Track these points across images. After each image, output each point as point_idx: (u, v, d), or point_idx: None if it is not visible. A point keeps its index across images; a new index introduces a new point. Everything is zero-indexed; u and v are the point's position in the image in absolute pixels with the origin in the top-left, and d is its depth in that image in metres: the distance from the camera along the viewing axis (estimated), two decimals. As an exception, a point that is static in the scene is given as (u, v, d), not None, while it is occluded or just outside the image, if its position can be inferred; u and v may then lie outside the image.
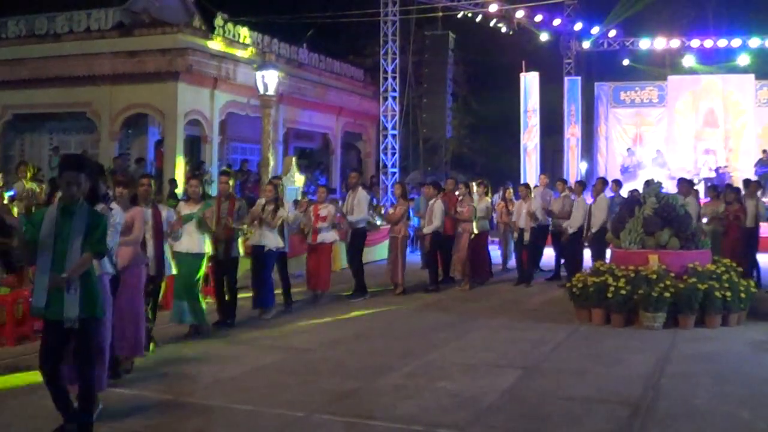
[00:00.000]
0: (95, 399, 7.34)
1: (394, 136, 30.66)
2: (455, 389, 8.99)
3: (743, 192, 18.21)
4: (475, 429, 7.55)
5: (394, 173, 30.48)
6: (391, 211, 17.52)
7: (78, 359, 6.94)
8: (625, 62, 37.37)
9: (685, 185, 18.39)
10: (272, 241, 14.01)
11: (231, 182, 13.53)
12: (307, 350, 11.35)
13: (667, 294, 12.47)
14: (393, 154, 30.71)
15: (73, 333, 6.78)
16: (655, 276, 12.75)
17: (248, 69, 24.42)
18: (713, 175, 30.84)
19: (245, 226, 13.78)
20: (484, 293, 17.23)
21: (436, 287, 17.39)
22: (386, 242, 18.01)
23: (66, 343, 6.86)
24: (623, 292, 12.74)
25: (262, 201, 14.35)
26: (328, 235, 15.89)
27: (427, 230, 17.43)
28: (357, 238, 16.65)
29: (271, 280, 14.23)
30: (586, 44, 36.12)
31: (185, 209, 12.13)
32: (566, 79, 35.44)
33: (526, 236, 18.11)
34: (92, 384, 7.04)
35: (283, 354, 11.06)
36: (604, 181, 19.35)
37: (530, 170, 31.62)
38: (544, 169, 29.93)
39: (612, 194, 20.58)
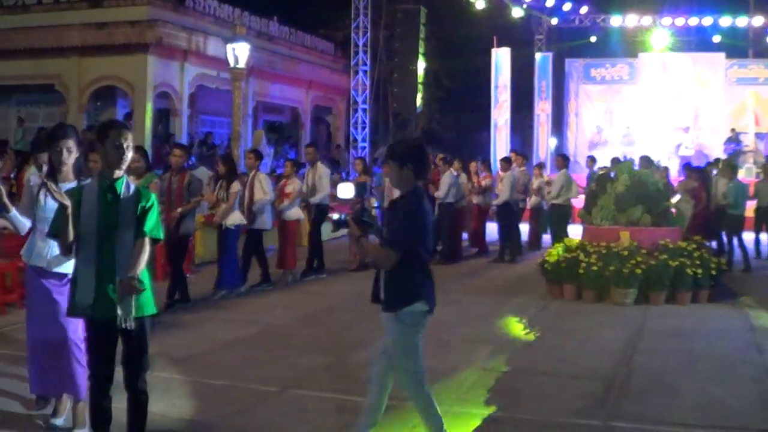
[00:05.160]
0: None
1: (364, 110, 30.69)
2: (428, 365, 8.90)
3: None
4: (448, 402, 7.50)
5: (364, 147, 30.51)
6: None
7: (131, 367, 5.72)
8: (594, 39, 37.34)
9: (644, 162, 18.52)
10: (231, 218, 13.40)
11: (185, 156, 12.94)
12: (280, 325, 11.31)
13: (638, 270, 12.52)
14: (363, 129, 30.74)
15: (123, 335, 5.67)
16: (626, 252, 12.81)
17: (218, 42, 24.25)
18: (692, 153, 31.01)
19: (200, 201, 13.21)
20: (454, 269, 17.23)
21: None
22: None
23: (114, 345, 5.73)
24: (595, 268, 12.77)
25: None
26: (293, 213, 15.35)
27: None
28: (318, 214, 16.08)
29: (233, 260, 13.63)
30: (555, 20, 36.11)
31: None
32: (537, 55, 35.43)
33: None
34: (147, 396, 5.84)
35: (255, 329, 10.99)
36: (565, 158, 19.60)
37: (500, 146, 31.64)
38: (514, 145, 30.05)
39: (588, 171, 20.97)
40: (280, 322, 11.57)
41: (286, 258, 15.24)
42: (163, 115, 27.01)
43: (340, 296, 13.84)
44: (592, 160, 22.12)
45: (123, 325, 5.55)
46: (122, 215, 5.62)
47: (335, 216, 6.53)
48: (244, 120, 26.36)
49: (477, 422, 7.00)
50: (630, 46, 37.63)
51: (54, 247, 6.36)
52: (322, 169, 16.24)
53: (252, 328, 11.08)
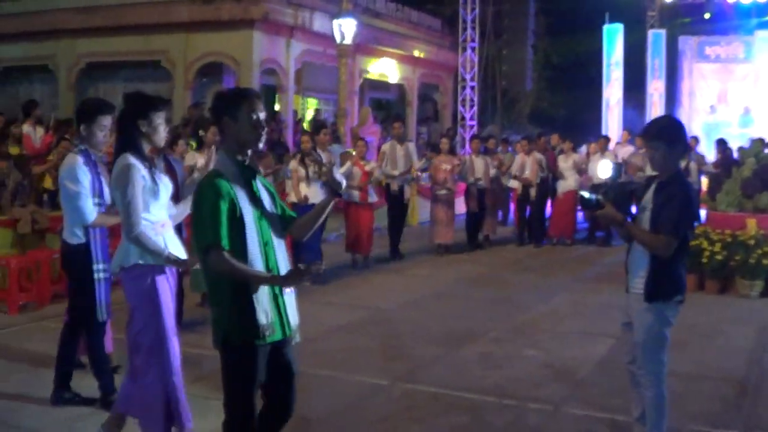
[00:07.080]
0: None
1: (472, 87, 30.16)
2: (546, 359, 8.49)
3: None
4: (572, 404, 7.05)
5: (472, 126, 30.01)
6: (445, 166, 16.10)
7: (289, 392, 4.74)
8: (708, 15, 36.16)
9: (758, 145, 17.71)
10: (318, 196, 12.54)
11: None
12: (385, 310, 10.93)
13: (765, 261, 11.80)
14: (471, 107, 30.24)
15: (283, 355, 4.65)
16: (753, 241, 12.08)
17: (325, 17, 23.96)
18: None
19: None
20: (565, 253, 16.67)
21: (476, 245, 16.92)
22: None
23: None
24: (719, 257, 12.08)
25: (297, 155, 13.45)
26: (373, 194, 14.68)
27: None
28: (403, 195, 15.64)
29: (318, 243, 12.79)
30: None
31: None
32: (650, 32, 34.36)
33: (532, 192, 17.38)
34: None
35: (359, 314, 10.64)
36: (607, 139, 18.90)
37: (612, 125, 30.75)
38: (627, 125, 29.16)
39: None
40: (386, 306, 11.18)
41: (362, 242, 14.45)
42: (270, 92, 26.87)
43: (448, 282, 13.36)
44: (695, 140, 21.28)
45: (295, 340, 4.71)
46: (268, 207, 4.63)
47: (586, 195, 5.91)
48: (350, 97, 26.07)
49: (602, 428, 6.48)
50: (746, 23, 36.28)
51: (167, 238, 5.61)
52: (412, 146, 16.13)
53: (357, 312, 10.72)
